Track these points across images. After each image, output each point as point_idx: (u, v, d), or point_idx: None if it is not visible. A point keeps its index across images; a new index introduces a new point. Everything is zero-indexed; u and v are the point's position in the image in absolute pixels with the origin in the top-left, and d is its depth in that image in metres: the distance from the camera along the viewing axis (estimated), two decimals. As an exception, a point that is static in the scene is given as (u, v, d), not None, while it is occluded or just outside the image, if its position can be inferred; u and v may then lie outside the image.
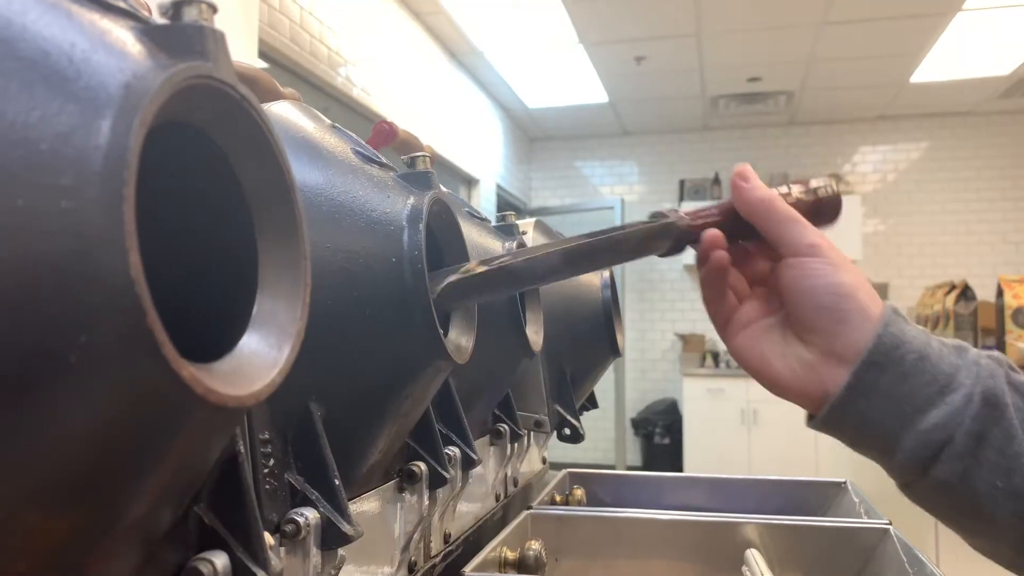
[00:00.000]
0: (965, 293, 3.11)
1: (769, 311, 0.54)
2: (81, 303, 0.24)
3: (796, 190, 0.56)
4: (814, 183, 0.57)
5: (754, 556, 0.75)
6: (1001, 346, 2.77)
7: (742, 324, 0.54)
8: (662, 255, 0.54)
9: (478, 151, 4.99)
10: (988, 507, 0.47)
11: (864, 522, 0.87)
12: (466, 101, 4.79)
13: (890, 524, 0.83)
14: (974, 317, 3.00)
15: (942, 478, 0.47)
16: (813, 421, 0.51)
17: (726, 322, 0.55)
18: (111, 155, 0.25)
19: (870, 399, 0.48)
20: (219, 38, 0.31)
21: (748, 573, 0.75)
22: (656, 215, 0.54)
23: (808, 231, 0.51)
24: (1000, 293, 2.80)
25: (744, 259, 0.55)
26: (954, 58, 4.62)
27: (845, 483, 1.07)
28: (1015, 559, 0.50)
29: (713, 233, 0.53)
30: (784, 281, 0.51)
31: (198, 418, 0.28)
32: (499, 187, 5.41)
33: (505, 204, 5.52)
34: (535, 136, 6.35)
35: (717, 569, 0.83)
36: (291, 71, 2.95)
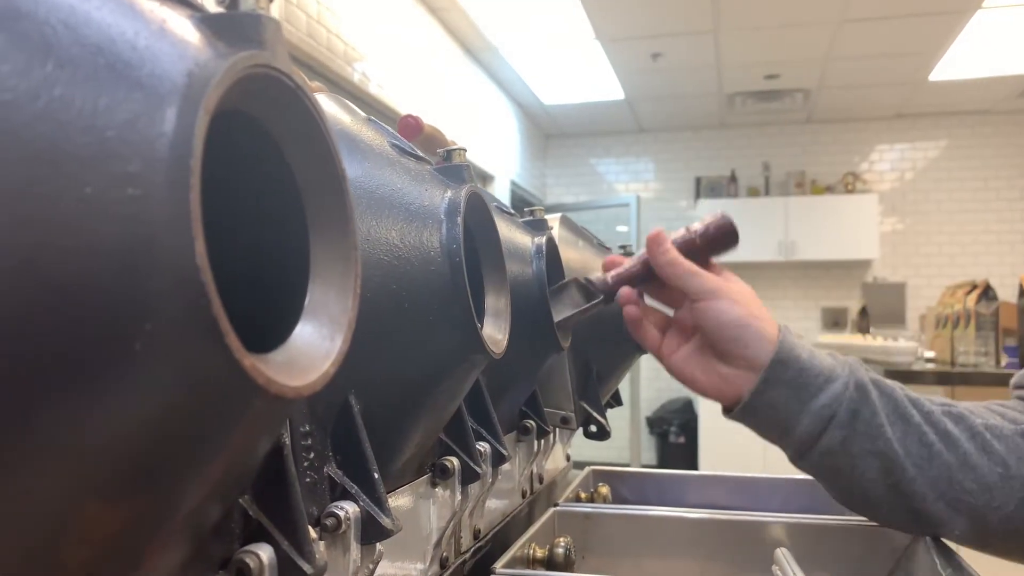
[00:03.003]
0: (986, 293, 3.08)
1: (688, 337, 0.69)
2: (147, 290, 0.24)
3: (693, 229, 0.69)
4: (708, 218, 0.69)
5: (784, 555, 0.75)
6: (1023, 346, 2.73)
7: (671, 350, 0.70)
8: (584, 310, 0.71)
9: (493, 147, 4.99)
10: (860, 468, 0.63)
11: (894, 522, 0.86)
12: (481, 97, 4.79)
13: (921, 524, 0.82)
14: (995, 317, 2.97)
15: (829, 445, 0.63)
16: (731, 412, 0.67)
17: (657, 349, 0.71)
18: (177, 143, 0.25)
19: (778, 388, 0.63)
20: (275, 27, 0.31)
21: (779, 572, 0.74)
22: (585, 279, 0.71)
23: (707, 280, 0.65)
24: (1022, 293, 2.77)
25: (664, 296, 0.72)
26: (973, 56, 4.58)
27: (871, 483, 1.06)
28: (882, 514, 0.67)
29: (625, 292, 0.69)
30: (697, 319, 0.66)
31: (257, 408, 0.28)
32: (514, 184, 5.40)
33: (520, 201, 5.51)
34: (550, 133, 6.33)
35: (746, 568, 0.83)
36: (308, 66, 2.95)
